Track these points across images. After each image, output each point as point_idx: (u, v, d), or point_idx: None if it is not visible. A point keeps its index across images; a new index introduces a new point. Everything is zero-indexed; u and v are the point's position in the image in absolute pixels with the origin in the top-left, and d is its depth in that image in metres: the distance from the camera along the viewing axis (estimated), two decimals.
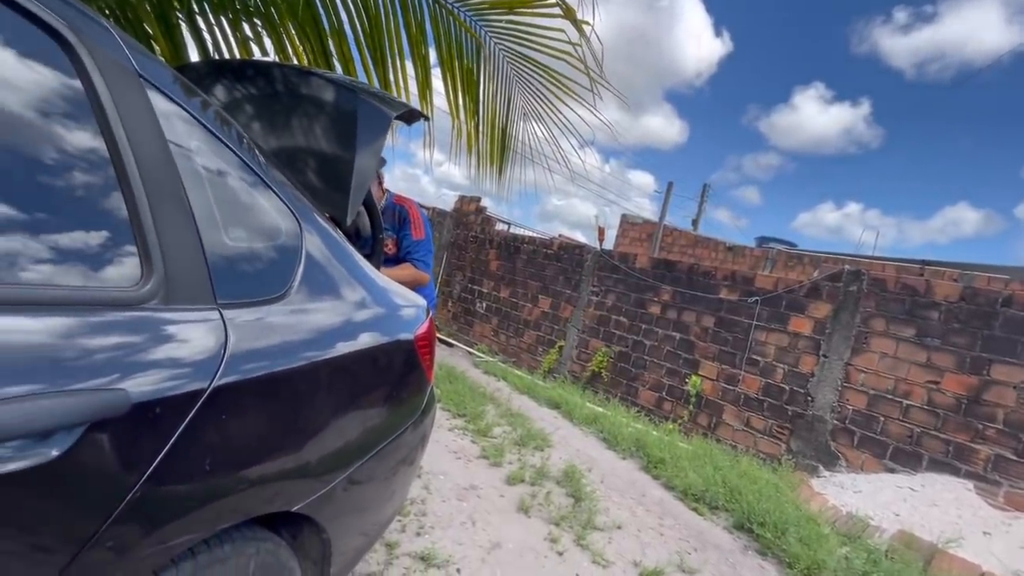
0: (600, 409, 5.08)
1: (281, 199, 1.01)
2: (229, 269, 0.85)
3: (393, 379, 1.27)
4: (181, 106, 0.84)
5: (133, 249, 0.71)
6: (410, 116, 1.59)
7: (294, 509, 0.94)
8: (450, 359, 6.46)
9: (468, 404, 4.27)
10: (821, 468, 4.12)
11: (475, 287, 7.95)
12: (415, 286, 2.17)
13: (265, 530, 0.95)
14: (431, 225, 2.55)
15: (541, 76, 2.66)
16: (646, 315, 5.65)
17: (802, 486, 3.78)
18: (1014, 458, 3.40)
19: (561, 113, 2.90)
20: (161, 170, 0.75)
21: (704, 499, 3.35)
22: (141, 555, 0.67)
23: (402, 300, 1.42)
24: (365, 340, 1.15)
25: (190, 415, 0.71)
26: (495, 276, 7.65)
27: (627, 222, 13.34)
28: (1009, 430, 3.44)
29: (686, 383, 5.08)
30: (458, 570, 2.03)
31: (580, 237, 8.19)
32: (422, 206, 2.51)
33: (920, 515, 3.27)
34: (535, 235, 8.11)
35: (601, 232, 6.67)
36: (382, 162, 2.34)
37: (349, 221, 1.25)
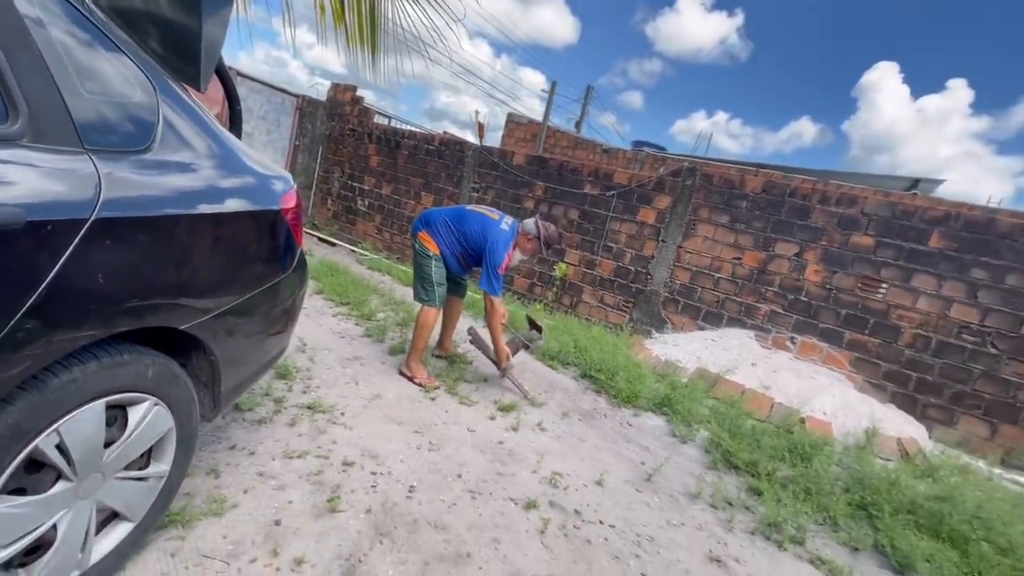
0: (478, 295, 5.58)
1: (131, 59, 1.09)
2: (90, 118, 0.96)
3: (262, 237, 1.46)
4: None
5: None
6: None
7: (181, 327, 1.16)
8: (332, 256, 6.45)
9: (352, 293, 4.46)
10: (653, 331, 5.10)
11: (355, 184, 7.73)
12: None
13: (157, 352, 1.17)
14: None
15: None
16: (522, 209, 6.07)
17: (636, 344, 4.68)
18: (782, 312, 4.54)
19: None
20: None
21: (558, 358, 4.05)
22: (52, 340, 0.87)
23: (266, 170, 1.56)
24: (232, 201, 1.31)
25: (78, 237, 0.88)
26: (376, 172, 7.48)
27: (513, 122, 13.36)
28: (781, 291, 4.54)
29: (554, 269, 5.73)
30: (342, 413, 2.39)
31: (471, 138, 8.13)
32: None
33: (714, 357, 4.30)
34: (416, 130, 7.92)
35: (481, 128, 6.75)
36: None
37: (203, 88, 1.33)
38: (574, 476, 2.34)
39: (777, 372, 4.01)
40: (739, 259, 4.74)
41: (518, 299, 5.89)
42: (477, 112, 6.81)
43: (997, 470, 3.45)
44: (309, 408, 2.34)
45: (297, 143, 7.66)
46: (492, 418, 2.77)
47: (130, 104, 1.07)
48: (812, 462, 2.85)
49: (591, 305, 5.54)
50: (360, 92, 7.91)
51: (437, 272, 3.09)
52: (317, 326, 3.63)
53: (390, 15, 3.17)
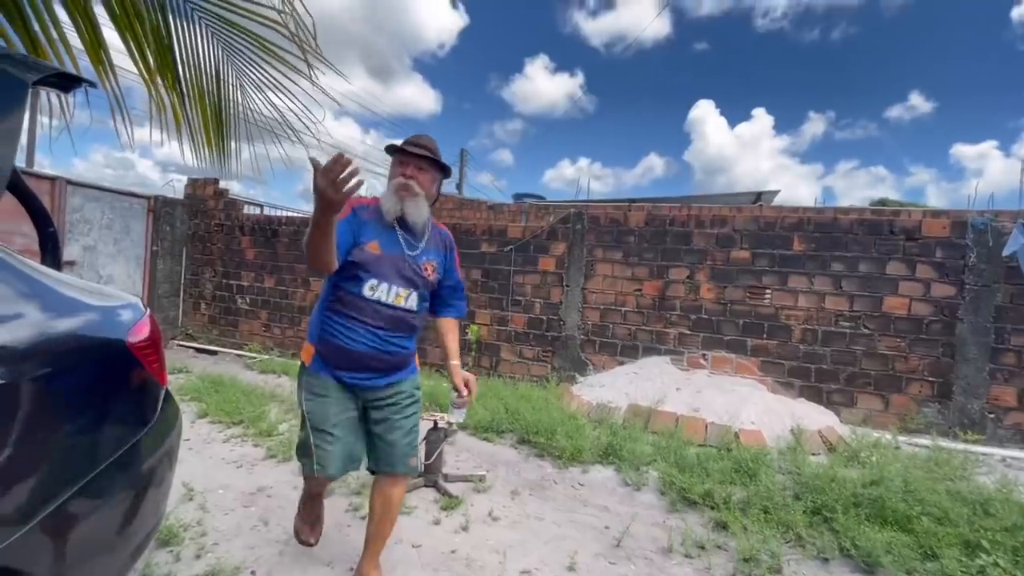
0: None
1: None
2: None
3: (103, 393, 1.11)
4: None
5: None
6: (65, 82, 1.31)
7: None
8: (215, 368, 5.65)
9: (244, 409, 3.86)
10: (577, 375, 5.06)
11: (232, 282, 6.99)
12: None
13: None
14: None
15: (251, 45, 2.39)
16: None
17: (565, 394, 4.58)
18: (689, 332, 4.76)
19: (284, 82, 2.68)
20: None
21: (492, 428, 3.79)
22: None
23: (103, 300, 1.22)
24: (50, 354, 0.98)
25: None
26: (254, 265, 6.85)
27: None
28: (684, 313, 4.77)
29: (467, 333, 5.53)
30: (252, 572, 1.92)
31: None
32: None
33: (641, 389, 4.33)
34: (294, 215, 7.47)
35: None
36: (446, 171, 1.86)
37: None
38: (544, 568, 2.08)
39: (701, 392, 4.12)
40: (640, 290, 4.93)
41: (436, 371, 5.57)
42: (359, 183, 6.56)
43: (901, 438, 3.79)
44: None
45: (155, 248, 6.79)
46: (437, 522, 2.43)
47: None
48: (759, 477, 2.88)
49: (511, 362, 5.39)
50: (224, 184, 7.32)
51: (312, 403, 1.70)
52: (205, 460, 3.03)
53: (241, 102, 2.92)
